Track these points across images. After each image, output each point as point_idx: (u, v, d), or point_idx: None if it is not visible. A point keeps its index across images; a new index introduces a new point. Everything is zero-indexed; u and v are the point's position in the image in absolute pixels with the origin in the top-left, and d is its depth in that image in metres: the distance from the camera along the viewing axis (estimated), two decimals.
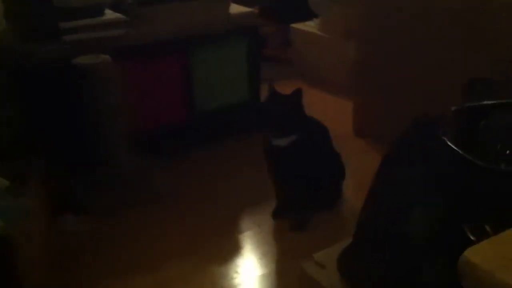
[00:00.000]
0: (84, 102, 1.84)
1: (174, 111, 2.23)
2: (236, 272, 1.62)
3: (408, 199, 1.08)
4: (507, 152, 1.03)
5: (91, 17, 1.99)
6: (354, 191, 1.95)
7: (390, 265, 1.08)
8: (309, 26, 3.14)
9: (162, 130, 2.21)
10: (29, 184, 1.54)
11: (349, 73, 2.60)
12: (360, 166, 1.99)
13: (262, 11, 3.37)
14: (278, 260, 1.69)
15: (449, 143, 1.04)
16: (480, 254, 0.79)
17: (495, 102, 1.13)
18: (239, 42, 2.33)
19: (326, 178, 1.85)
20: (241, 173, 2.16)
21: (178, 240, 1.77)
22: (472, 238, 0.94)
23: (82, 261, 1.66)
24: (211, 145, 2.31)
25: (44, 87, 1.86)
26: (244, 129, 2.35)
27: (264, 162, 1.78)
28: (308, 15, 3.16)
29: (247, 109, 2.40)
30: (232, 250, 1.74)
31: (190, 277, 1.59)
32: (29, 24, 1.92)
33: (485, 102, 1.14)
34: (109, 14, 2.04)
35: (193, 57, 2.20)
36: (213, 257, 1.69)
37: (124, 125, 1.92)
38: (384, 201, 1.16)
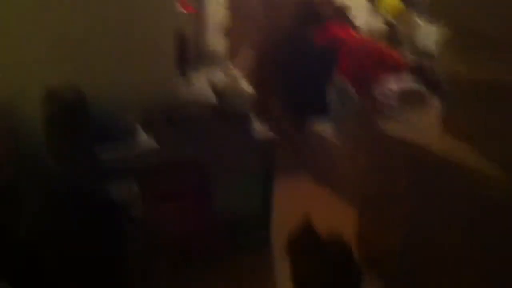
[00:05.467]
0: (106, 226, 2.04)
1: (192, 219, 2.44)
2: None
3: None
4: None
5: (125, 140, 2.21)
6: None
7: None
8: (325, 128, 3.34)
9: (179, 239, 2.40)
10: None
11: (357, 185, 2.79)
12: None
13: (283, 106, 3.60)
14: None
15: None
16: None
17: None
18: (255, 163, 2.54)
19: None
20: None
21: None
22: None
23: None
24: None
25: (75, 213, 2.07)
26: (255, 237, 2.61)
27: None
28: (327, 116, 3.36)
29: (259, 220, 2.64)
30: None
31: None
32: (65, 147, 2.13)
33: None
34: (143, 141, 2.26)
35: (212, 175, 2.42)
36: None
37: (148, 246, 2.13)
38: None
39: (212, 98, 2.49)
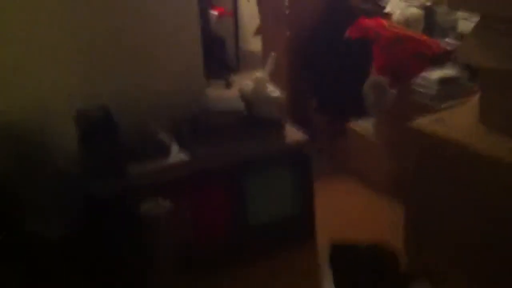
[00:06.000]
0: (138, 243, 2.05)
1: (224, 229, 2.43)
2: None
3: None
4: None
5: (158, 156, 2.21)
6: None
7: None
8: (363, 126, 3.25)
9: (208, 250, 2.39)
10: None
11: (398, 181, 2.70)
12: None
13: (318, 106, 3.53)
14: None
15: None
16: None
17: None
18: (291, 167, 2.50)
19: None
20: None
21: None
22: None
23: None
24: (260, 259, 2.49)
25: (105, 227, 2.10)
26: (295, 240, 2.56)
27: None
28: (363, 114, 3.27)
29: (299, 222, 2.59)
30: None
31: None
32: (98, 162, 2.15)
33: None
34: (174, 155, 2.25)
35: (245, 181, 2.39)
36: None
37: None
38: None
39: (241, 105, 2.45)
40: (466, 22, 3.26)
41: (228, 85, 3.04)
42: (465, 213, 2.11)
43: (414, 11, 3.33)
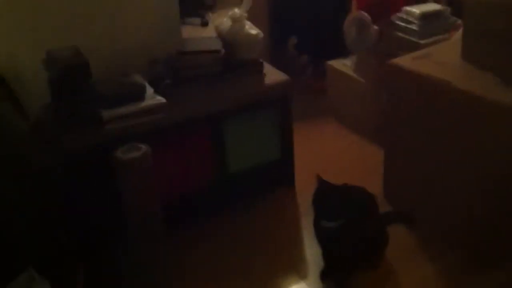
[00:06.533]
0: (115, 189, 2.00)
1: (204, 177, 2.38)
2: None
3: None
4: None
5: (133, 102, 2.14)
6: None
7: None
8: (345, 65, 3.18)
9: (188, 198, 2.36)
10: None
11: (381, 122, 2.67)
12: None
13: (298, 44, 3.44)
14: None
15: None
16: None
17: None
18: (271, 110, 2.43)
19: (371, 247, 2.04)
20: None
21: None
22: None
23: None
24: (241, 206, 2.48)
25: (80, 176, 2.05)
26: (276, 185, 2.56)
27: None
28: (343, 53, 3.20)
29: (279, 166, 2.56)
30: None
31: None
32: (71, 110, 2.07)
33: None
34: (150, 98, 2.17)
35: (225, 127, 2.32)
36: None
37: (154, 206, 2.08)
38: None
39: (218, 44, 2.35)
40: None
41: (204, 24, 2.92)
42: (445, 152, 2.10)
43: None
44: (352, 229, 1.92)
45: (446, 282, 2.04)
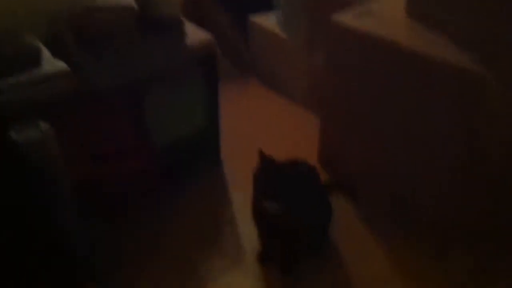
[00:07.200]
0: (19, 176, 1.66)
1: (123, 154, 2.07)
2: None
3: None
4: None
5: (26, 68, 1.76)
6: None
7: None
8: (270, 21, 2.91)
9: (115, 178, 2.06)
10: None
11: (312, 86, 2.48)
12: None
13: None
14: None
15: None
16: None
17: None
18: (195, 72, 2.14)
19: (315, 225, 1.87)
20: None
21: None
22: None
23: None
24: (167, 182, 2.21)
25: None
26: (203, 157, 2.30)
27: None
28: (267, 7, 2.94)
29: (206, 137, 2.30)
30: None
31: None
32: None
33: None
34: (48, 63, 1.80)
35: (142, 96, 2.01)
36: None
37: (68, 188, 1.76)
38: None
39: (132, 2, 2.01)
40: None
41: None
42: (387, 117, 1.94)
43: None
44: (297, 209, 1.73)
45: (393, 261, 1.90)
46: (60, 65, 1.80)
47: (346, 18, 1.96)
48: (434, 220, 1.91)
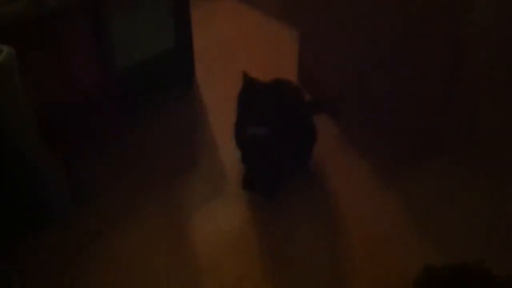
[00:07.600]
0: None
1: (91, 77, 1.90)
2: None
3: None
4: None
5: None
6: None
7: None
8: None
9: (79, 104, 1.89)
10: None
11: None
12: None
13: None
14: None
15: None
16: None
17: None
18: None
19: (299, 148, 1.81)
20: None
21: None
22: None
23: None
24: (137, 109, 2.07)
25: None
26: (174, 78, 2.16)
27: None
28: None
29: (176, 56, 2.13)
30: None
31: None
32: None
33: None
34: None
35: (105, 13, 1.81)
36: None
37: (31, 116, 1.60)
38: None
39: None
40: None
41: None
42: (371, 29, 1.83)
43: None
44: (282, 133, 1.65)
45: (380, 179, 1.86)
46: None
47: None
48: (413, 127, 1.87)
